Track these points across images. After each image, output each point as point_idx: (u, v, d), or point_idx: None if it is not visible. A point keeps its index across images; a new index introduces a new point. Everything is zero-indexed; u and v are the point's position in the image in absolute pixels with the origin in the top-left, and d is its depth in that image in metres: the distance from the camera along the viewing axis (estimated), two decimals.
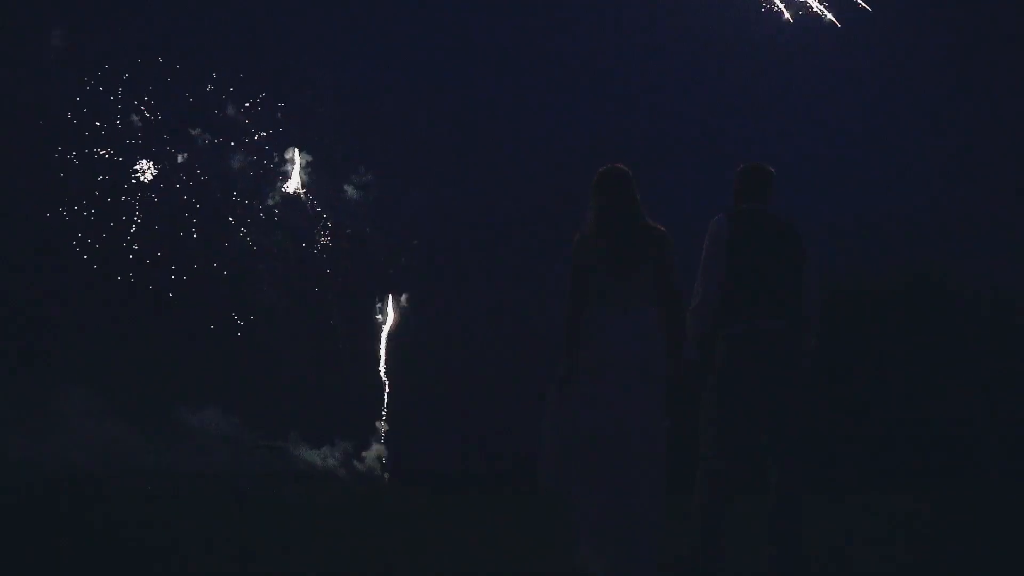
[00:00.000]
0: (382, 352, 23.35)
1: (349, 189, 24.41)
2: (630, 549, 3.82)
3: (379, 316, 23.88)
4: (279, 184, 22.82)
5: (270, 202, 22.91)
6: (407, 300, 23.88)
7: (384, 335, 23.53)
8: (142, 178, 22.25)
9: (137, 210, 22.27)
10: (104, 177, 22.22)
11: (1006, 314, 14.30)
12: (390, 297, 23.71)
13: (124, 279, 22.28)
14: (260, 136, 23.09)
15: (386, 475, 21.38)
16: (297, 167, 22.96)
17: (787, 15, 16.56)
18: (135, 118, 22.54)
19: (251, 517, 8.98)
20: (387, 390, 22.69)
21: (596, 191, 4.18)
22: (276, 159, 23.02)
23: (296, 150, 22.59)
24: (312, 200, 23.57)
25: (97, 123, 22.01)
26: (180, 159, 22.48)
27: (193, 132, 22.73)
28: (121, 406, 20.05)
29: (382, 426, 21.95)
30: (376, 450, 21.62)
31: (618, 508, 3.85)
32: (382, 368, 23.08)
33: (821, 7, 16.28)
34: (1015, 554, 5.01)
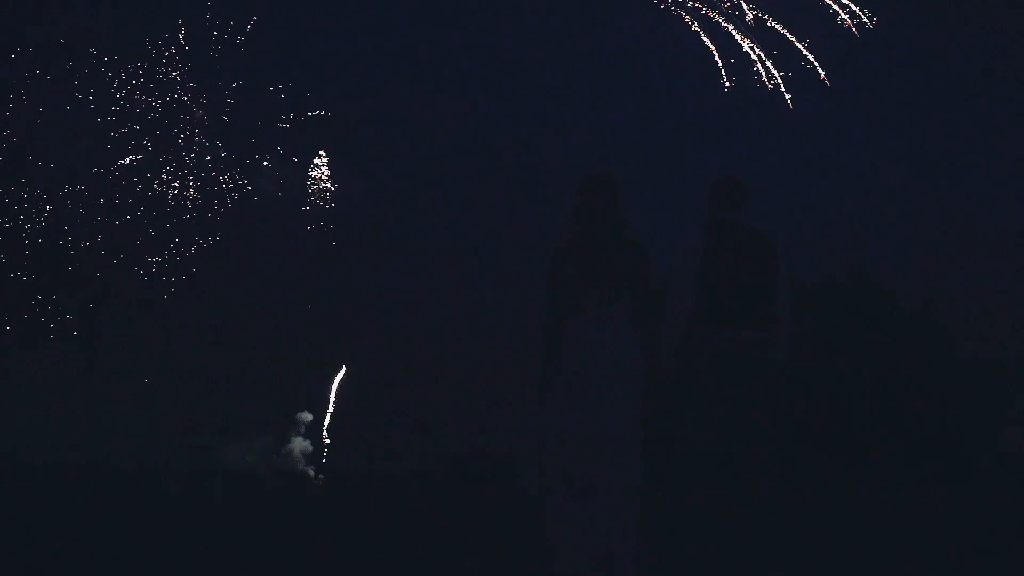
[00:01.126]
0: (306, 342, 22.85)
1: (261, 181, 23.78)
2: (605, 559, 3.84)
3: (309, 306, 23.33)
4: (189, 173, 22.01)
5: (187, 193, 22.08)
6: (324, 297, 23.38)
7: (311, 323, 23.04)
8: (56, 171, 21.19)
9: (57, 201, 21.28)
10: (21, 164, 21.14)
11: (932, 314, 14.88)
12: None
13: (39, 268, 21.29)
14: (165, 126, 22.15)
15: (320, 476, 20.94)
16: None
17: (727, 83, 16.55)
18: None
19: (182, 518, 8.63)
20: (314, 383, 22.21)
21: (580, 197, 4.14)
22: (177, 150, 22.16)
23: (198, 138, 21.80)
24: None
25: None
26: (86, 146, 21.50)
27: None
28: (35, 396, 19.14)
29: (311, 420, 21.47)
30: (304, 446, 21.14)
31: (593, 518, 3.86)
32: (308, 362, 22.59)
33: (778, 79, 16.20)
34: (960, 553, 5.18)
